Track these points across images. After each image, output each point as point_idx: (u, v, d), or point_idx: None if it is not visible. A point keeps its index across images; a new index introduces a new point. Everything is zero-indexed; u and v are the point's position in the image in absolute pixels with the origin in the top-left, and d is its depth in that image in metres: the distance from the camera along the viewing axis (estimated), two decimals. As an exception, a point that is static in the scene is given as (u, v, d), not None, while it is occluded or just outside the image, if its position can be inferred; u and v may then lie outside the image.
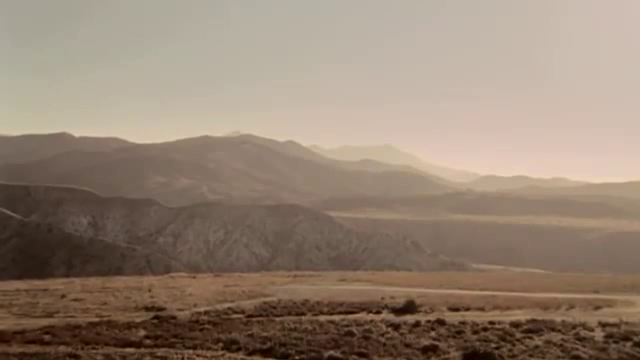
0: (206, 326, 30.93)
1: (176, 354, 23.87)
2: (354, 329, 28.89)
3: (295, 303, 43.20)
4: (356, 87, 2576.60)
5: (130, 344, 25.68)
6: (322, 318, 34.85)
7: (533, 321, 31.97)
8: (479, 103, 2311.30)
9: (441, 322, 31.78)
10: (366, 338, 26.75)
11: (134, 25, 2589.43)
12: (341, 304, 42.15)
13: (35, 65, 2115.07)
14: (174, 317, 34.58)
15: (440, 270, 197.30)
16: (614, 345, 25.37)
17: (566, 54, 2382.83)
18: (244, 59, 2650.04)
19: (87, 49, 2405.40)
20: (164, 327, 30.63)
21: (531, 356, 23.38)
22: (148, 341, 26.35)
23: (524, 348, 24.70)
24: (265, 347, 24.39)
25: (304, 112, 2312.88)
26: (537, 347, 24.85)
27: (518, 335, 27.80)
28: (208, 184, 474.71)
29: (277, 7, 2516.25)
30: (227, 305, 42.58)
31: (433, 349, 24.14)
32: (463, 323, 31.59)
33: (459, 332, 28.66)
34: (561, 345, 25.07)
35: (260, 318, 35.40)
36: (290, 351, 23.61)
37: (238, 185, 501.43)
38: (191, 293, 52.23)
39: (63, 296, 48.95)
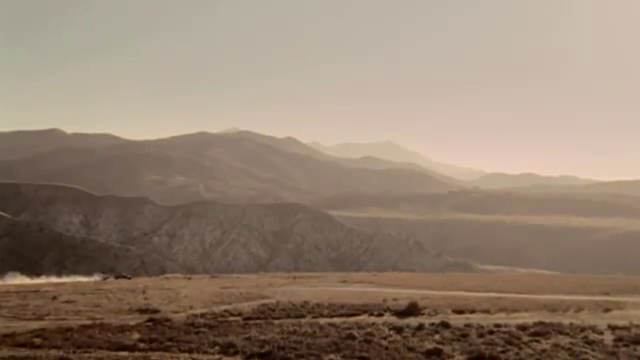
0: (202, 329, 30.96)
1: (171, 358, 23.93)
2: (355, 332, 28.92)
3: (294, 305, 43.25)
4: (358, 83, 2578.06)
5: (123, 348, 25.74)
6: (322, 321, 34.89)
7: (540, 324, 32.03)
8: (484, 99, 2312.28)
9: (445, 325, 31.81)
10: (368, 341, 26.79)
11: (129, 19, 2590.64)
12: (342, 306, 42.21)
13: (26, 60, 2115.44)
14: (169, 320, 34.61)
15: (444, 271, 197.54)
16: (624, 349, 25.41)
17: (574, 51, 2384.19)
18: (243, 54, 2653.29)
19: (81, 44, 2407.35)
20: (159, 330, 30.66)
21: (538, 360, 23.44)
22: (142, 345, 26.40)
23: (531, 352, 24.75)
24: (263, 351, 24.43)
25: (304, 108, 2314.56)
26: (544, 351, 24.90)
27: (525, 338, 27.84)
28: (204, 182, 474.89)
29: (277, 3, 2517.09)
30: (224, 307, 42.63)
31: (437, 353, 24.20)
32: (468, 326, 31.63)
33: (464, 335, 28.71)
34: (569, 349, 25.11)
35: (258, 321, 35.45)
36: (289, 355, 23.66)
37: (235, 183, 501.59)
38: (186, 295, 52.29)
39: (54, 298, 48.99)
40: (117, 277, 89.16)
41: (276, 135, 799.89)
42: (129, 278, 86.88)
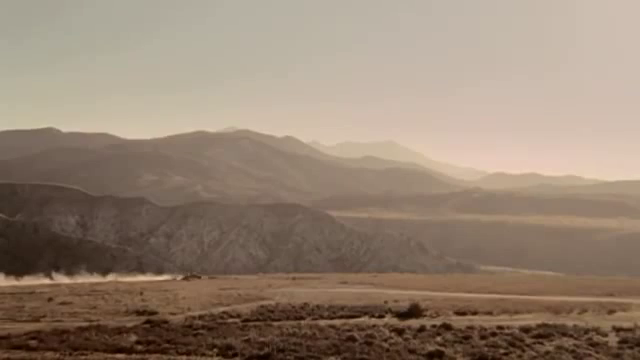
0: (200, 331, 30.96)
1: (169, 360, 23.95)
2: (356, 334, 28.94)
3: (294, 307, 43.30)
4: (358, 82, 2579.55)
5: (120, 350, 25.73)
6: (322, 322, 34.91)
7: (544, 326, 32.03)
8: (487, 98, 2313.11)
9: (447, 327, 31.82)
10: (368, 344, 26.79)
11: (126, 17, 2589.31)
12: (342, 308, 42.23)
13: (22, 58, 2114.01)
14: (167, 322, 34.61)
15: (446, 272, 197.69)
16: (629, 351, 25.40)
17: (579, 50, 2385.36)
18: (241, 52, 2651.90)
19: (77, 43, 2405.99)
20: (156, 332, 30.66)
21: (541, 362, 23.43)
22: (139, 347, 26.39)
23: (534, 354, 24.75)
24: (262, 353, 24.43)
25: (304, 107, 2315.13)
26: (548, 353, 24.90)
27: (528, 340, 27.84)
28: (202, 182, 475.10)
29: (277, 2, 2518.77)
30: (222, 309, 42.64)
31: (439, 355, 24.20)
32: (470, 328, 31.65)
33: (466, 337, 28.72)
34: (573, 351, 25.11)
35: (257, 323, 35.45)
36: (289, 357, 23.67)
37: (234, 183, 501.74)
38: (185, 296, 52.31)
39: (50, 299, 49.01)
40: (186, 277, 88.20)
41: (275, 134, 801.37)
42: (199, 277, 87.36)
